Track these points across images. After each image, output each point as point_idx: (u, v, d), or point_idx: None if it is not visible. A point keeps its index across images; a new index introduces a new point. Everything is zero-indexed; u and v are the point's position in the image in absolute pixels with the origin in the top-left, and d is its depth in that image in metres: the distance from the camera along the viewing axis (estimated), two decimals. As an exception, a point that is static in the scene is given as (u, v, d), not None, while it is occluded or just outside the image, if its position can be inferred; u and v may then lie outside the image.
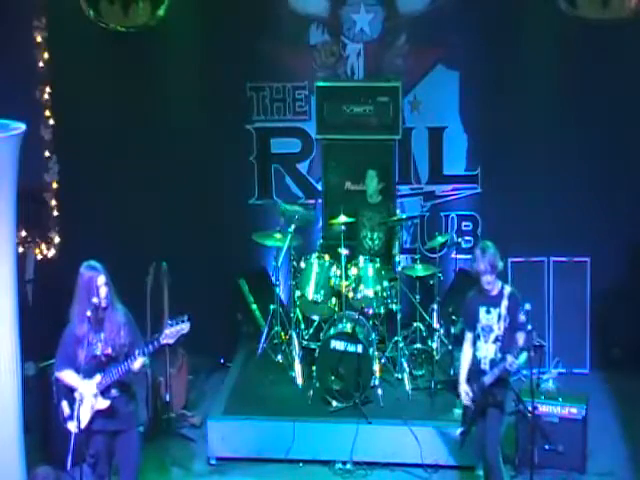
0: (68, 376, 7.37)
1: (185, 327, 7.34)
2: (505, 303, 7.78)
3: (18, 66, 10.52)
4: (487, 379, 7.77)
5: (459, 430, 8.12)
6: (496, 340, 7.79)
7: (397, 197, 10.99)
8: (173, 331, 7.31)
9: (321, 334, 9.94)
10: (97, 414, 7.34)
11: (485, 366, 7.83)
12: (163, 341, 7.33)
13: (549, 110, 10.57)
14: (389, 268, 10.19)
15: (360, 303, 9.81)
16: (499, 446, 7.98)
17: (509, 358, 7.60)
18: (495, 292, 7.84)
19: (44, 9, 10.64)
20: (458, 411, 8.47)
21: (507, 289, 7.86)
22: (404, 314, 10.14)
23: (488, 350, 7.83)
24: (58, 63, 10.72)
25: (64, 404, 7.42)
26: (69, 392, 7.39)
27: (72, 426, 7.33)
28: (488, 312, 7.82)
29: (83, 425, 7.30)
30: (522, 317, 7.76)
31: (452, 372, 9.63)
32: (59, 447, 7.97)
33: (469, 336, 7.98)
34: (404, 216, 10.51)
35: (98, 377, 7.29)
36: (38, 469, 7.98)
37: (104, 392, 7.32)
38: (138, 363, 7.30)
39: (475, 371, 7.89)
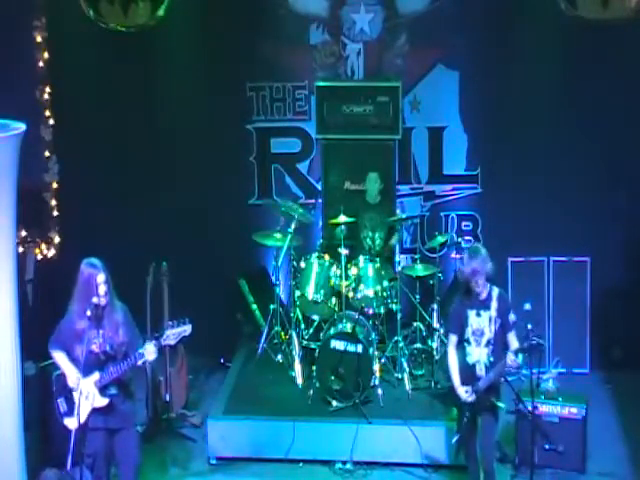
0: (60, 358, 7.41)
1: (187, 329, 7.38)
2: (495, 305, 7.75)
3: (18, 66, 10.52)
4: (482, 383, 7.73)
5: (454, 438, 8.09)
6: (488, 344, 7.75)
7: (397, 197, 10.99)
8: (175, 332, 7.34)
9: (321, 334, 9.94)
10: (95, 412, 7.34)
11: (481, 371, 7.78)
12: (164, 342, 7.36)
13: (549, 110, 10.58)
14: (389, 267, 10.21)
15: (360, 303, 9.81)
16: (494, 452, 7.97)
17: (510, 356, 7.57)
18: (484, 295, 7.79)
19: (44, 9, 10.66)
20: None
21: (495, 290, 7.82)
22: (404, 314, 10.15)
23: (481, 354, 7.78)
24: (58, 63, 10.73)
25: (60, 401, 7.43)
26: (68, 390, 7.40)
27: (69, 422, 7.35)
28: (478, 315, 7.78)
29: (82, 421, 7.30)
30: (512, 317, 7.77)
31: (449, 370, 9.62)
32: (59, 447, 7.96)
33: (453, 339, 7.90)
34: (404, 216, 10.52)
35: (96, 375, 7.30)
36: (45, 472, 8.03)
37: (102, 390, 7.33)
38: (150, 353, 7.27)
39: (470, 377, 7.81)
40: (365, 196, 10.55)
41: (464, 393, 7.79)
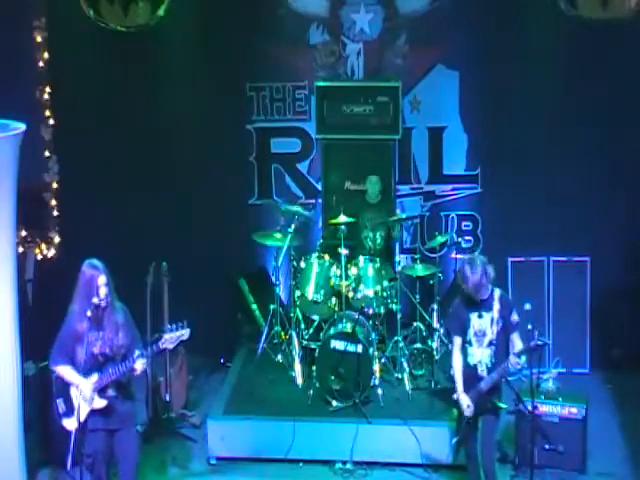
0: (65, 371, 7.36)
1: (185, 333, 7.36)
2: (497, 306, 7.73)
3: (18, 66, 10.52)
4: (484, 385, 7.72)
5: (454, 440, 8.09)
6: (490, 344, 7.74)
7: (397, 197, 10.99)
8: (173, 337, 7.33)
9: (321, 334, 9.94)
10: (94, 413, 7.33)
11: (483, 372, 7.77)
12: (162, 346, 7.35)
13: (549, 110, 10.58)
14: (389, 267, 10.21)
15: (360, 303, 9.81)
16: (494, 452, 7.97)
17: (512, 358, 7.55)
18: (486, 296, 7.78)
19: (44, 9, 10.66)
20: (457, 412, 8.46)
21: (497, 292, 7.79)
22: (404, 314, 10.15)
23: (483, 355, 7.76)
24: (58, 63, 10.74)
25: (59, 401, 7.43)
26: (66, 390, 7.39)
27: (67, 423, 7.35)
28: (480, 317, 7.75)
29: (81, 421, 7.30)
30: (515, 317, 7.75)
31: (452, 372, 9.61)
32: (59, 447, 7.96)
33: (458, 341, 7.86)
34: (404, 216, 10.52)
35: (95, 376, 7.29)
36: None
37: (101, 392, 7.32)
38: (139, 365, 7.30)
39: (472, 377, 7.79)
40: (365, 196, 10.56)
41: (465, 407, 7.75)
